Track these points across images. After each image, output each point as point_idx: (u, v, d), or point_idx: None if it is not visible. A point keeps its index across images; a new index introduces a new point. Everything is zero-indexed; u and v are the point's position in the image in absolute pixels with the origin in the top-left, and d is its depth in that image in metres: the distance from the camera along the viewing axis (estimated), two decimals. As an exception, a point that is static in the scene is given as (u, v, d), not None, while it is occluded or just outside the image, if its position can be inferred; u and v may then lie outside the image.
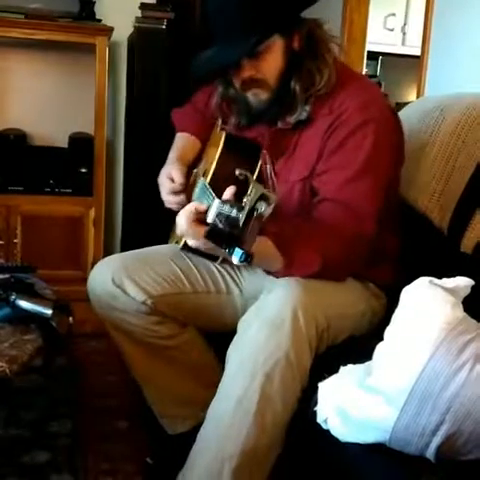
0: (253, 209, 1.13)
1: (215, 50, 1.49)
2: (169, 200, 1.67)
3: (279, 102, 1.53)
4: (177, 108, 1.93)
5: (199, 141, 1.80)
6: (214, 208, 1.17)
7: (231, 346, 1.40)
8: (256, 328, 1.34)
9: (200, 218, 1.25)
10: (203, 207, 1.26)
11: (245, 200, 1.14)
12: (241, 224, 1.12)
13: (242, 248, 1.11)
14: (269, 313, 1.34)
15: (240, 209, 1.13)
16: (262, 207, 1.13)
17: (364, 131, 1.46)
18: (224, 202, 1.16)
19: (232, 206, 1.15)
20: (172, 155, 1.75)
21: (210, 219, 1.18)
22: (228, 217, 1.14)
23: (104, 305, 1.65)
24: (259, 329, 1.33)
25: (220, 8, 1.46)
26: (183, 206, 1.33)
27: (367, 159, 1.46)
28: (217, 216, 1.15)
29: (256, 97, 1.53)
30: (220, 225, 1.15)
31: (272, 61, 1.49)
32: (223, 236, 1.14)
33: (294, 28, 1.50)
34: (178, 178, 1.64)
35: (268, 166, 1.22)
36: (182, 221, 1.28)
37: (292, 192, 1.54)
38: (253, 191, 1.14)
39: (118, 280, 1.61)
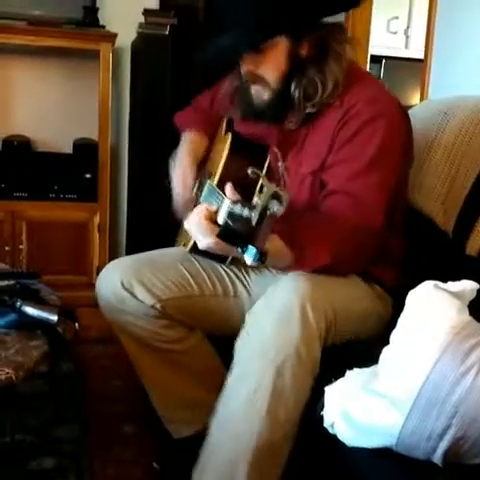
0: (266, 208, 1.11)
1: (220, 40, 1.49)
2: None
3: (279, 104, 1.53)
4: (179, 111, 1.94)
5: (206, 135, 1.79)
6: (225, 208, 1.16)
7: (239, 340, 1.40)
8: (265, 322, 1.34)
9: (212, 217, 1.24)
10: (213, 207, 1.25)
11: (256, 199, 1.13)
12: (254, 223, 1.11)
13: (255, 247, 1.10)
14: (277, 307, 1.34)
15: (252, 208, 1.12)
16: (274, 206, 1.12)
17: (374, 126, 1.47)
18: (234, 202, 1.15)
19: (243, 206, 1.13)
20: (182, 158, 1.74)
21: (221, 219, 1.17)
22: (240, 217, 1.13)
23: (112, 308, 1.65)
24: (268, 323, 1.33)
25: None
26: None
27: (376, 153, 1.46)
28: (228, 216, 1.14)
29: (258, 95, 1.53)
30: (232, 225, 1.14)
31: (273, 61, 1.49)
32: (236, 235, 1.13)
33: (305, 35, 1.49)
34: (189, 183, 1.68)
35: (280, 163, 1.21)
36: (193, 220, 1.27)
37: (302, 185, 1.54)
38: (265, 190, 1.12)
39: (127, 283, 1.61)
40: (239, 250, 1.13)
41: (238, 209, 1.14)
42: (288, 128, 1.58)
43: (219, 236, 1.16)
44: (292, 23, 1.46)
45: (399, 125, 1.52)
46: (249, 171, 1.20)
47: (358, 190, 1.46)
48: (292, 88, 1.50)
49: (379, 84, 1.62)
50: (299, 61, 1.50)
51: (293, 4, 1.44)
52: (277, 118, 1.57)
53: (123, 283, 1.61)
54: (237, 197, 1.21)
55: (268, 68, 1.49)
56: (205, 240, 1.26)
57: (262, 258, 1.11)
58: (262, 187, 1.14)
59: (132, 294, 1.61)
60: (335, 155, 1.50)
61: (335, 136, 1.50)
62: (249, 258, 1.11)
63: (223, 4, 1.50)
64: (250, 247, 1.11)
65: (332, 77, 1.49)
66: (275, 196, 1.12)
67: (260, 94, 1.53)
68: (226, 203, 1.17)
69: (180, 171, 1.72)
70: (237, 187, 1.24)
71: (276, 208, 1.12)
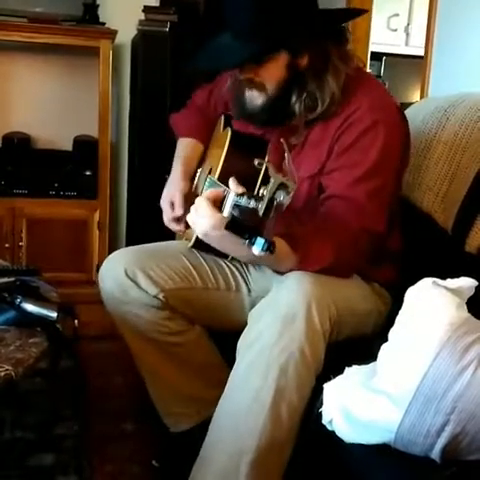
0: (272, 199, 1.12)
1: (219, 46, 1.49)
2: (169, 227, 1.71)
3: (272, 110, 1.53)
4: (175, 113, 1.93)
5: (201, 143, 1.82)
6: (230, 200, 1.16)
7: (242, 338, 1.40)
8: (269, 321, 1.34)
9: (216, 199, 1.23)
10: (220, 193, 1.24)
11: (262, 190, 1.13)
12: (261, 214, 1.11)
13: (264, 238, 1.10)
14: (282, 306, 1.34)
15: (258, 199, 1.12)
16: (281, 196, 1.12)
17: (375, 132, 1.47)
18: (240, 195, 1.15)
19: (249, 197, 1.14)
20: (175, 172, 1.76)
21: (226, 212, 1.17)
22: (246, 208, 1.13)
23: (114, 298, 1.65)
24: (272, 322, 1.34)
25: (238, 6, 1.45)
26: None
27: (376, 160, 1.47)
28: (233, 208, 1.15)
29: (252, 99, 1.53)
30: (239, 216, 1.14)
31: (273, 71, 1.48)
32: (244, 226, 1.13)
33: (305, 47, 1.48)
34: (179, 204, 1.68)
35: (286, 154, 1.21)
36: (201, 209, 1.24)
37: (301, 188, 1.53)
38: (272, 180, 1.13)
39: (131, 273, 1.62)
40: (247, 241, 1.12)
41: (244, 201, 1.15)
42: (289, 127, 1.57)
43: (227, 228, 1.15)
44: (293, 38, 1.45)
45: (399, 130, 1.53)
46: (255, 162, 1.20)
47: (359, 196, 1.46)
48: (293, 100, 1.50)
49: (380, 88, 1.62)
50: (298, 71, 1.49)
51: (293, 19, 1.44)
52: (268, 123, 1.58)
53: (127, 272, 1.62)
54: (242, 189, 1.21)
55: (267, 77, 1.49)
56: (206, 222, 1.23)
57: (270, 248, 1.11)
58: (266, 178, 1.14)
59: (135, 283, 1.62)
60: (335, 161, 1.51)
61: (335, 142, 1.51)
62: (257, 248, 1.11)
63: (226, 13, 1.48)
64: (258, 238, 1.10)
65: (329, 92, 1.49)
66: (282, 186, 1.13)
67: (254, 99, 1.53)
68: (231, 195, 1.17)
69: (170, 197, 1.71)
70: (239, 181, 1.24)
71: (283, 198, 1.12)
